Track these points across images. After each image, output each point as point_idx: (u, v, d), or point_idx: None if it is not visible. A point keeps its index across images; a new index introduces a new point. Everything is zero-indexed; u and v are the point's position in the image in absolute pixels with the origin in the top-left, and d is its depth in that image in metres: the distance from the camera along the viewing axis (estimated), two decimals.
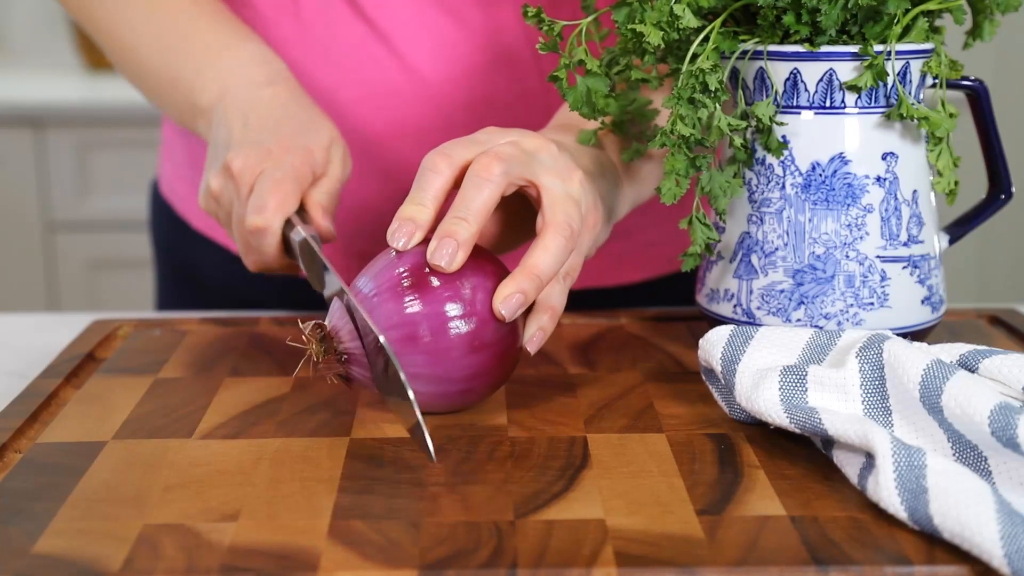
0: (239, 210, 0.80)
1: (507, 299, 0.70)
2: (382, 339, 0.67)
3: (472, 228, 0.70)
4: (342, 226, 0.99)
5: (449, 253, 0.69)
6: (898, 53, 0.75)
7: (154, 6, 0.92)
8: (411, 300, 0.70)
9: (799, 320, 0.77)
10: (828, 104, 0.76)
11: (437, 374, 0.70)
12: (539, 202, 0.73)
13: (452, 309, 0.70)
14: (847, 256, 0.76)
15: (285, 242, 0.80)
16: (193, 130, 0.90)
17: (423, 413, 0.67)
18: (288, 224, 0.79)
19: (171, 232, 1.11)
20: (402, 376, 0.65)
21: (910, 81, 0.76)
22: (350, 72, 0.96)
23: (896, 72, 0.75)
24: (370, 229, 0.99)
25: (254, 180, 0.80)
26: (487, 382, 0.72)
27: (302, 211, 0.81)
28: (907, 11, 0.74)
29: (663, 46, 0.75)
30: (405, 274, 0.70)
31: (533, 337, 0.73)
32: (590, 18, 0.79)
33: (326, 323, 0.71)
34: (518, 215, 0.77)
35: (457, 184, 0.73)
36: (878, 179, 0.76)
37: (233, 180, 0.80)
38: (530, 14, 0.78)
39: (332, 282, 0.74)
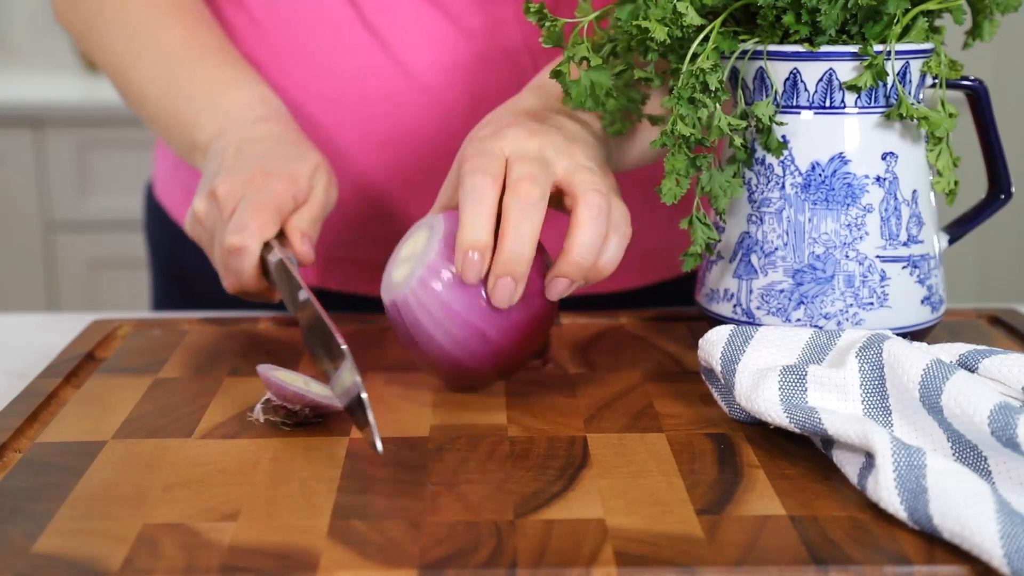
0: (220, 232, 0.81)
1: (551, 285, 0.73)
2: (344, 347, 0.69)
3: (528, 260, 0.71)
4: (347, 237, 0.99)
5: (509, 294, 0.71)
6: (898, 53, 0.75)
7: (160, 43, 0.94)
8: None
9: (799, 320, 0.77)
10: (828, 104, 0.76)
11: (481, 312, 0.73)
12: (559, 188, 0.75)
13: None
14: (847, 256, 0.76)
15: (264, 266, 0.81)
16: (191, 163, 0.92)
17: (450, 366, 0.73)
18: (267, 247, 0.80)
19: (165, 235, 1.12)
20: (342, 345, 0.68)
21: (910, 81, 0.76)
22: (348, 80, 0.96)
23: (896, 72, 0.75)
24: (374, 237, 0.99)
25: (236, 204, 0.81)
26: (512, 342, 0.73)
27: (282, 236, 0.82)
28: (907, 11, 0.74)
29: (668, 42, 0.75)
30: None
31: (557, 286, 0.74)
32: (591, 16, 0.79)
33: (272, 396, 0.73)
34: None
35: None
36: (878, 179, 0.76)
37: (217, 204, 0.82)
38: (532, 10, 0.78)
39: (302, 296, 0.75)
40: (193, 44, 0.93)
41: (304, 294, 0.75)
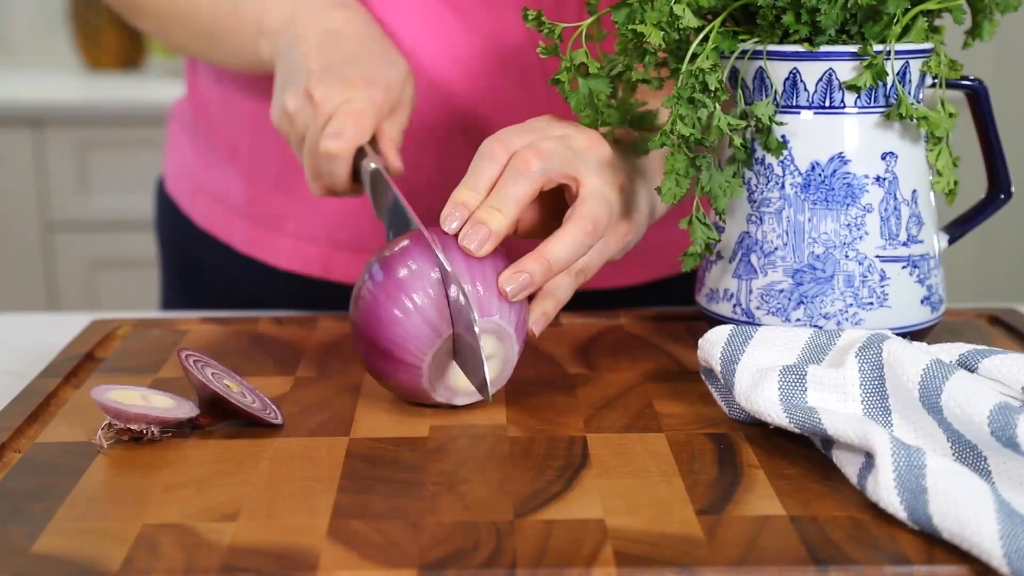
0: (314, 135, 0.83)
1: (512, 278, 0.72)
2: (465, 290, 0.70)
3: (505, 220, 0.72)
4: (354, 228, 1.00)
5: (480, 239, 0.72)
6: (897, 53, 0.75)
7: None
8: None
9: (798, 320, 0.77)
10: (827, 104, 0.76)
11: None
12: (575, 197, 0.75)
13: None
14: (846, 256, 0.76)
15: (354, 169, 0.83)
16: (253, 60, 0.92)
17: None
18: (359, 152, 0.82)
19: (175, 230, 1.12)
20: (475, 317, 0.68)
21: (909, 81, 0.76)
22: None
23: (895, 72, 0.75)
24: (379, 229, 0.99)
25: (334, 109, 0.82)
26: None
27: (372, 142, 0.84)
28: (906, 11, 0.74)
29: (663, 46, 0.75)
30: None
31: (538, 320, 0.76)
32: (590, 20, 0.78)
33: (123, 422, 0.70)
34: (559, 207, 0.78)
35: None
36: (877, 179, 0.76)
37: (313, 105, 0.83)
38: (530, 17, 0.78)
39: (404, 218, 0.77)
40: None
41: (406, 216, 0.77)
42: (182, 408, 0.71)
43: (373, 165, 0.81)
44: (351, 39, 0.86)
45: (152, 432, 0.70)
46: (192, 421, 0.71)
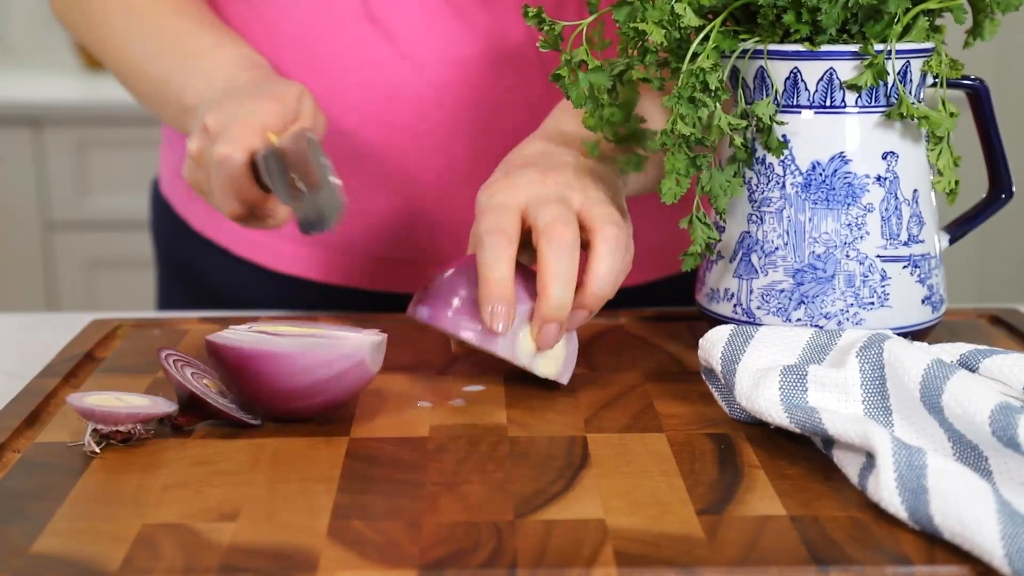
0: (210, 155, 0.81)
1: (571, 316, 0.75)
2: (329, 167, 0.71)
3: (569, 303, 0.75)
4: (351, 231, 1.00)
5: (555, 336, 0.75)
6: (898, 52, 0.75)
7: (144, 16, 0.95)
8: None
9: (799, 320, 0.77)
10: (828, 103, 0.76)
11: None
12: (586, 227, 0.77)
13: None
14: (847, 255, 0.76)
15: (263, 187, 0.79)
16: (184, 130, 0.92)
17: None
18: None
19: (171, 231, 1.12)
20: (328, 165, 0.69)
21: (910, 80, 0.76)
22: (353, 73, 0.96)
23: (896, 71, 0.75)
24: (377, 231, 0.99)
25: (225, 127, 0.81)
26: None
27: None
28: (907, 10, 0.74)
29: (665, 44, 0.75)
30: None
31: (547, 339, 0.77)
32: (590, 19, 0.78)
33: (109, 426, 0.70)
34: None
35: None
36: (878, 178, 0.76)
37: (208, 134, 0.82)
38: (530, 14, 0.78)
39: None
40: (183, 16, 0.94)
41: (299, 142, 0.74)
42: (158, 405, 0.71)
43: (262, 152, 0.78)
44: (247, 85, 0.86)
45: (139, 430, 0.70)
46: (171, 419, 0.71)
